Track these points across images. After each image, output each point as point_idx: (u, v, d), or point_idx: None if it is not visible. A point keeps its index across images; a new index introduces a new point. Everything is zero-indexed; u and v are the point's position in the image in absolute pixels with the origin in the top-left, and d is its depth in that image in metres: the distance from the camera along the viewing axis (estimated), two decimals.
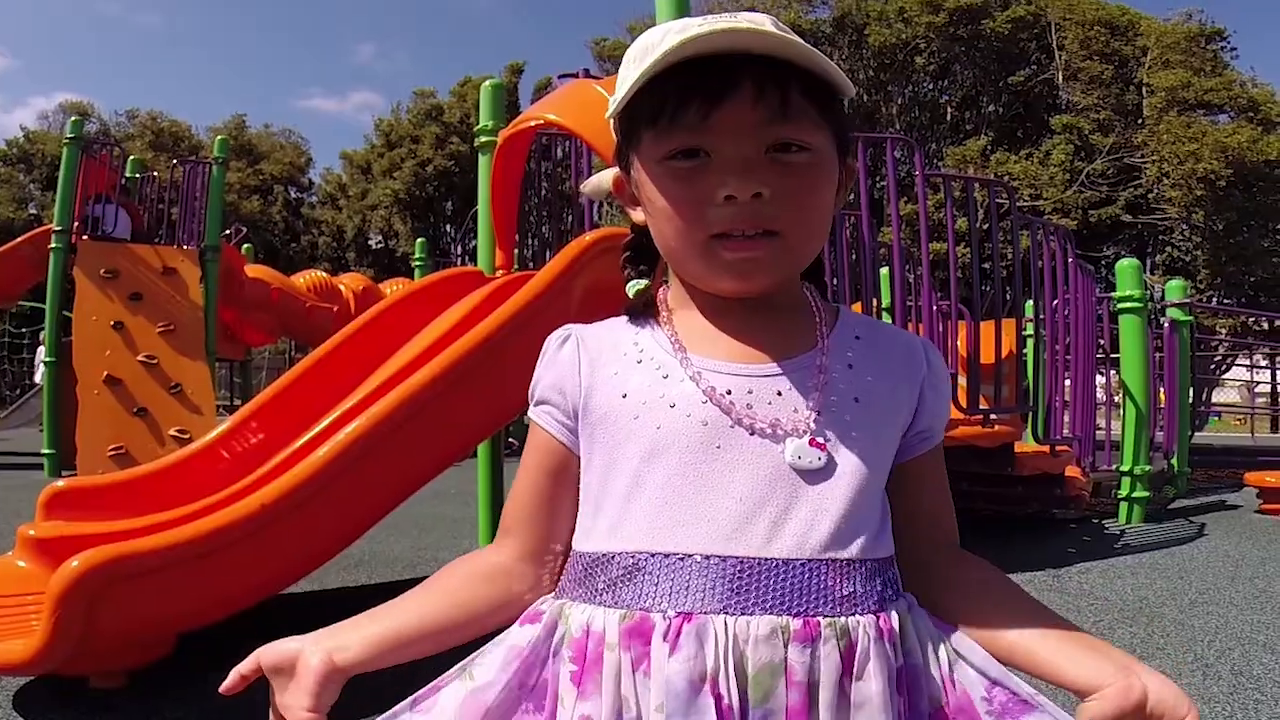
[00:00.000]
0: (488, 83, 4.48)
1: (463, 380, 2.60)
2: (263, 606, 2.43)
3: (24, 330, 14.37)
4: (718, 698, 0.64)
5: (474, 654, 0.76)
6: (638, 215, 0.80)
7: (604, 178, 0.88)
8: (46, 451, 6.99)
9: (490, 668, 0.73)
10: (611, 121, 0.78)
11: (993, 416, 4.20)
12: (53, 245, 7.15)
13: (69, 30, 69.52)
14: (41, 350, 13.12)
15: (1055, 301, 4.94)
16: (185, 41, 69.70)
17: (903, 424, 0.77)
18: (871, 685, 0.66)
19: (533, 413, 0.81)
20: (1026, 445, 4.85)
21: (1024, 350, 5.26)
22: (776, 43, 0.67)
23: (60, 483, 2.75)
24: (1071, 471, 5.06)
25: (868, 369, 0.76)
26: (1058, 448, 4.78)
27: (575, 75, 4.14)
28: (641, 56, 0.70)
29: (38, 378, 11.96)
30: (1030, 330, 5.36)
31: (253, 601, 2.36)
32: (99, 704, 2.13)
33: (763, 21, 0.69)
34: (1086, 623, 2.97)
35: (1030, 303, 5.37)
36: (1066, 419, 5.24)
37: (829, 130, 0.73)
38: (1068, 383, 5.25)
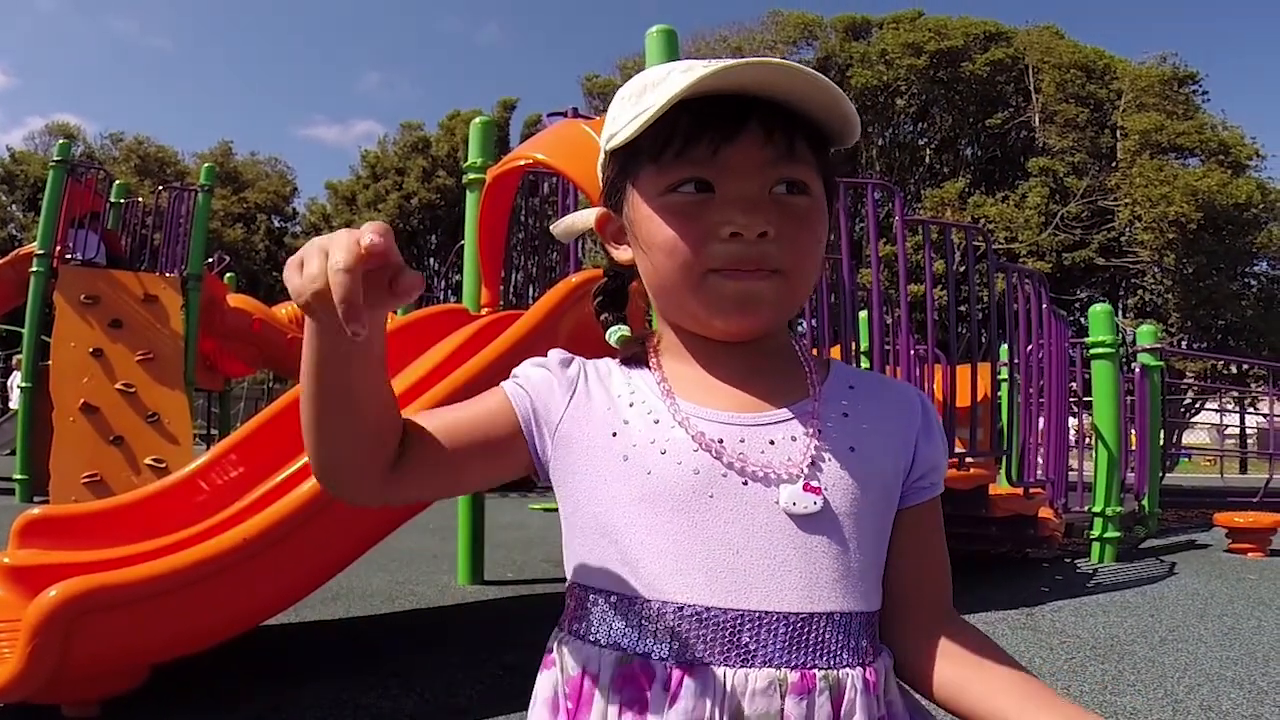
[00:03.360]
0: (477, 120, 4.55)
1: None
2: (240, 639, 2.42)
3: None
4: None
5: None
6: (621, 254, 0.80)
7: (576, 219, 0.88)
8: (19, 477, 6.87)
9: None
10: (602, 156, 0.78)
11: (968, 459, 4.26)
12: (34, 269, 7.08)
13: (78, 51, 68.98)
14: (15, 375, 12.97)
15: (1030, 346, 5.04)
16: (193, 65, 69.60)
17: (900, 475, 0.76)
18: None
19: (507, 385, 0.78)
20: (1001, 487, 4.91)
21: (998, 393, 5.35)
22: (801, 80, 0.67)
23: (35, 510, 2.73)
24: (1044, 513, 5.11)
25: (862, 419, 0.76)
26: (1031, 489, 4.84)
27: (564, 114, 4.22)
28: (641, 93, 0.71)
29: (12, 403, 11.81)
30: (1005, 374, 5.47)
31: (231, 634, 2.35)
32: None
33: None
34: (1059, 660, 3.01)
35: (1005, 346, 5.48)
36: (1040, 461, 5.30)
37: (821, 177, 0.74)
38: (1041, 425, 5.33)
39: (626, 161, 0.75)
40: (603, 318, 0.84)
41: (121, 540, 2.66)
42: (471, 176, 4.32)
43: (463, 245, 4.48)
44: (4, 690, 1.93)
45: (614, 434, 0.74)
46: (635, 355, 0.80)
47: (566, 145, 3.41)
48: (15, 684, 1.92)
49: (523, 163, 3.66)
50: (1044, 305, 5.07)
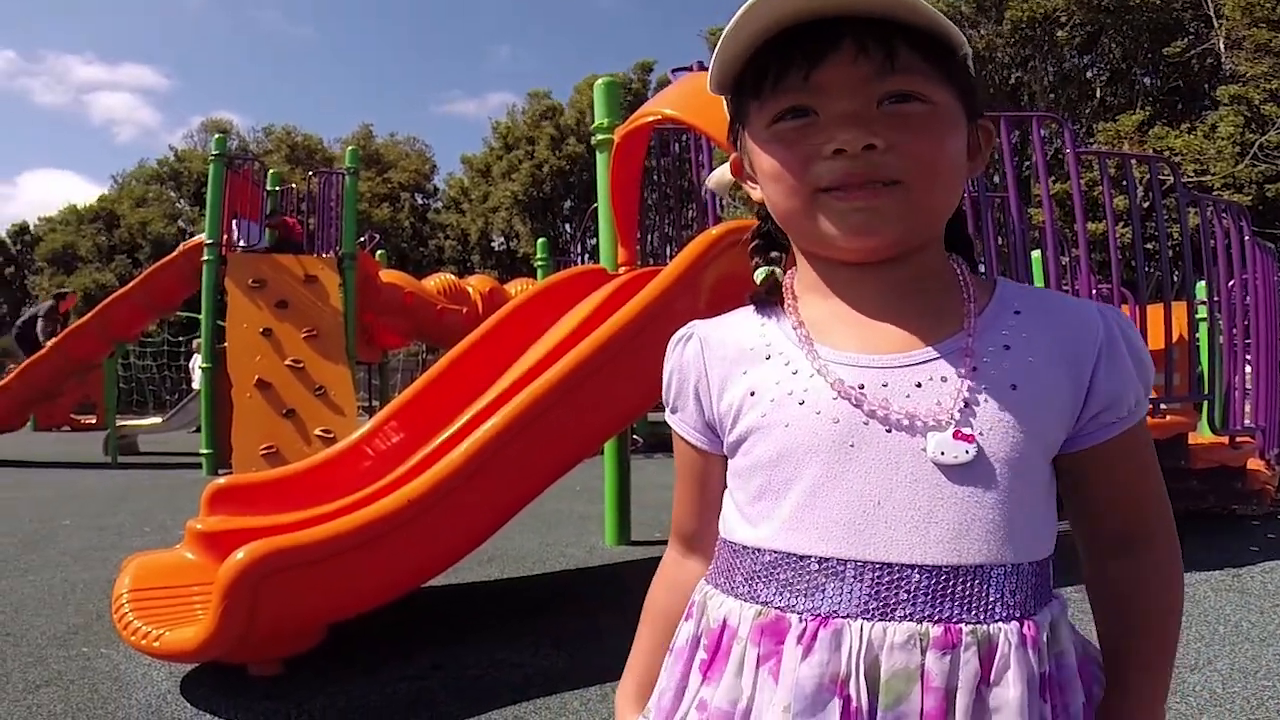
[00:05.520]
0: (601, 81, 4.45)
1: (591, 378, 2.59)
2: (405, 601, 2.50)
3: (180, 338, 15.60)
4: (846, 699, 0.63)
5: None
6: (757, 194, 0.77)
7: (726, 170, 0.86)
8: (204, 451, 7.50)
9: (665, 674, 0.77)
10: (724, 104, 0.77)
11: (1163, 406, 3.90)
12: (205, 258, 7.66)
13: (227, 47, 73.11)
14: (196, 358, 14.29)
15: (1232, 282, 4.51)
16: (334, 52, 72.67)
17: (1071, 410, 0.68)
18: (1009, 691, 0.63)
19: (668, 418, 0.83)
20: (1202, 436, 4.51)
21: (1196, 334, 4.83)
22: None
23: (221, 480, 2.92)
24: (1254, 464, 4.63)
25: (1029, 349, 0.68)
26: (1238, 439, 4.40)
27: (689, 69, 4.07)
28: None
29: (195, 383, 13.01)
30: (1203, 314, 4.92)
31: (398, 593, 2.43)
32: (259, 691, 2.23)
33: None
34: (1270, 625, 2.78)
35: (1202, 284, 4.93)
36: (1248, 408, 4.79)
37: (948, 86, 0.68)
38: (1248, 369, 4.80)
39: (735, 103, 0.74)
40: (754, 261, 0.82)
41: (299, 505, 2.81)
42: (600, 137, 4.25)
43: (596, 207, 4.42)
44: (199, 649, 2.06)
45: (752, 393, 0.72)
46: (770, 300, 0.77)
47: (693, 98, 3.28)
48: (209, 643, 2.04)
49: (650, 119, 3.54)
50: (1246, 238, 4.50)
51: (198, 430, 8.57)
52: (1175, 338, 3.97)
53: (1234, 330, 4.61)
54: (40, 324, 10.57)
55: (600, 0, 64.92)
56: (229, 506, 2.83)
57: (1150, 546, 0.73)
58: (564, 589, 3.44)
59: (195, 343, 14.33)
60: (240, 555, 2.07)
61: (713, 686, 0.69)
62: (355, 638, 2.53)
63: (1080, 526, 0.74)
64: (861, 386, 0.67)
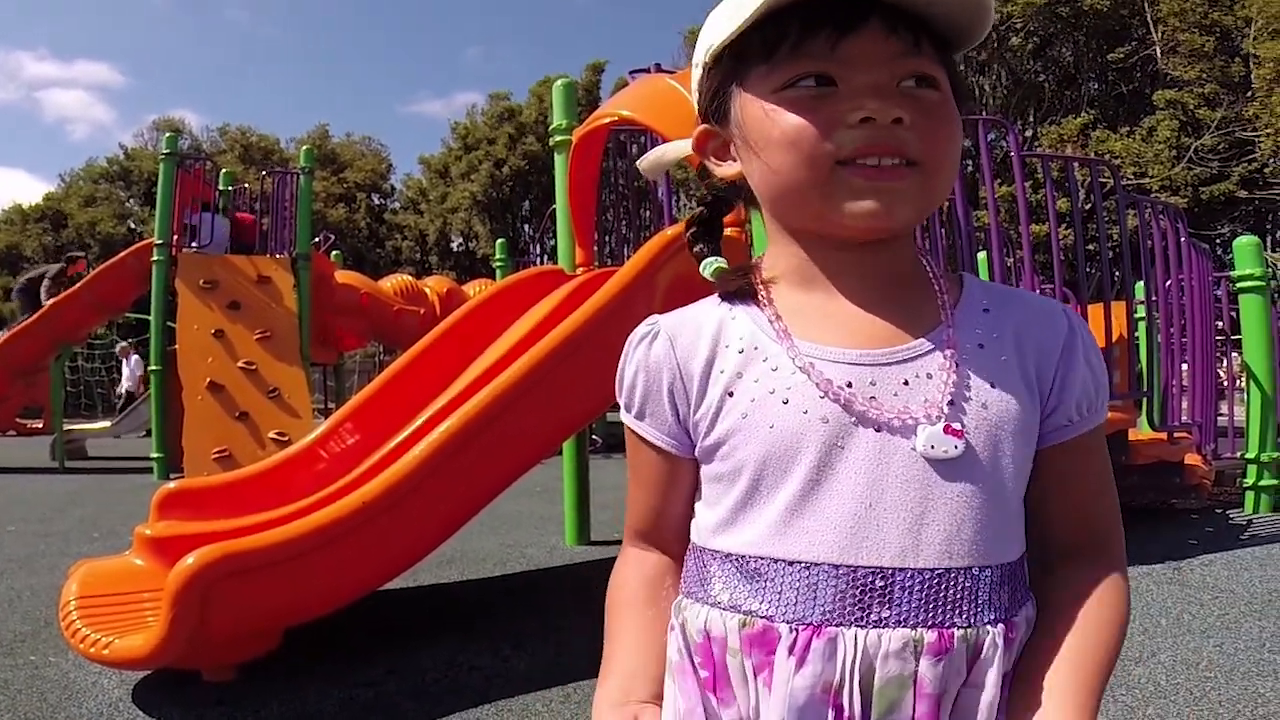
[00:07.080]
0: (560, 82, 4.45)
1: (547, 379, 2.59)
2: (362, 605, 2.48)
3: (129, 340, 15.19)
4: (838, 709, 0.62)
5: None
6: (726, 169, 0.73)
7: (666, 150, 0.84)
8: (155, 455, 7.33)
9: (680, 694, 0.70)
10: (699, 72, 0.72)
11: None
12: (155, 258, 7.47)
13: (190, 47, 70.37)
14: (126, 361, 13.89)
15: (1168, 282, 4.66)
16: (302, 52, 71.11)
17: (1037, 410, 0.68)
18: (988, 693, 0.63)
19: (627, 421, 0.75)
20: (1141, 432, 4.62)
21: (1135, 334, 4.99)
22: None
23: (172, 484, 2.86)
24: (1192, 459, 4.76)
25: (1001, 347, 0.67)
26: (1176, 434, 4.53)
27: (647, 70, 4.10)
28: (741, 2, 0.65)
29: (121, 388, 12.65)
30: (1141, 313, 5.09)
31: (354, 597, 2.41)
32: (212, 698, 2.20)
33: None
34: (1211, 617, 2.84)
35: (1140, 284, 5.10)
36: (1185, 405, 4.94)
37: (949, 79, 0.67)
38: (1185, 367, 4.96)
39: (733, 66, 0.69)
40: (696, 249, 0.78)
41: (251, 509, 2.77)
42: (558, 138, 4.25)
43: (555, 209, 4.43)
44: (149, 656, 2.02)
45: (730, 393, 0.68)
46: (739, 290, 0.72)
47: (651, 99, 3.30)
48: (159, 650, 2.01)
49: (608, 120, 3.56)
50: (1182, 239, 4.67)
51: (148, 434, 8.37)
52: (1116, 337, 4.10)
53: (1171, 329, 4.77)
54: (46, 284, 10.15)
55: (576, 1, 64.55)
56: (180, 511, 2.77)
57: (1101, 556, 0.71)
58: (524, 590, 3.43)
59: (119, 346, 14.04)
60: (190, 560, 2.04)
61: (731, 708, 0.67)
62: (312, 643, 2.50)
63: (1033, 531, 0.71)
64: (849, 384, 0.65)
